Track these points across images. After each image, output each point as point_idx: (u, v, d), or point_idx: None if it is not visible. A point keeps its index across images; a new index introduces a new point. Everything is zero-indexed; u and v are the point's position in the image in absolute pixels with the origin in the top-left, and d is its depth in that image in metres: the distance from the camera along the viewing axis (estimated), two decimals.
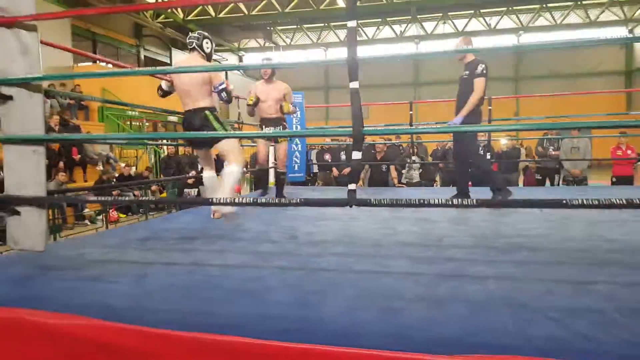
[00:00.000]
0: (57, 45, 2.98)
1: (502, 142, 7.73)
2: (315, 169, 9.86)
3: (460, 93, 3.77)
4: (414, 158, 7.80)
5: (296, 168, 5.92)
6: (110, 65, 12.19)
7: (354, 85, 1.49)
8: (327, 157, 8.49)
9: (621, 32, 17.94)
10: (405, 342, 1.26)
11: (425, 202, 1.61)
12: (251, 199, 1.81)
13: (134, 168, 9.00)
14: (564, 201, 1.37)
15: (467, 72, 3.74)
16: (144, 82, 11.81)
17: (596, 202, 1.42)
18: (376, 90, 19.23)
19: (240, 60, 22.61)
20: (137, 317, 1.42)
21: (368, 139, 7.98)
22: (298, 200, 1.72)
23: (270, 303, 1.56)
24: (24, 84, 1.83)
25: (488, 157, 6.32)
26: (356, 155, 1.51)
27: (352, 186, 1.56)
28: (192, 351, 1.29)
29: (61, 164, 7.67)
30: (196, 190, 6.78)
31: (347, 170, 6.95)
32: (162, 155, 9.46)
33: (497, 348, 1.22)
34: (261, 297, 1.61)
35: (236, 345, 1.26)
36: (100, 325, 1.37)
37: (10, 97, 1.82)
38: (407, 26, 19.36)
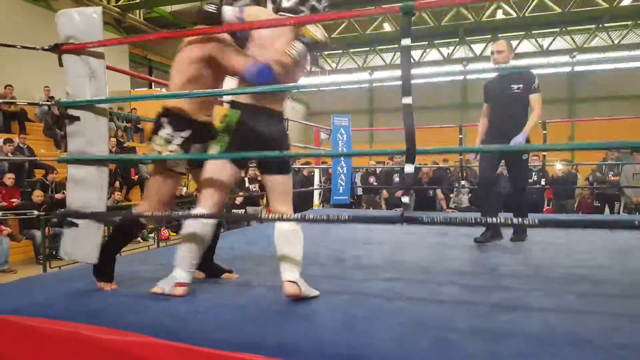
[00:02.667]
0: (119, 70, 3.16)
1: (557, 167, 7.41)
2: (360, 191, 9.83)
3: (510, 108, 3.26)
4: (462, 182, 7.61)
5: (341, 190, 5.90)
6: (164, 90, 12.75)
7: (407, 100, 1.46)
8: (372, 179, 8.44)
9: None
10: None
11: (478, 221, 1.54)
12: (299, 216, 1.80)
13: (185, 188, 9.28)
14: (637, 222, 1.27)
15: (519, 86, 3.24)
16: None
17: None
18: (422, 112, 19.07)
19: None
20: (187, 336, 1.43)
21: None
22: (347, 217, 1.68)
23: (319, 327, 1.53)
24: (91, 106, 1.94)
25: (542, 183, 6.06)
26: (409, 168, 1.47)
27: (405, 199, 1.52)
28: None
29: (117, 183, 8.03)
30: (243, 210, 6.91)
31: (400, 192, 6.89)
32: None
33: None
34: (310, 321, 1.59)
35: None
36: (152, 343, 1.39)
37: (77, 118, 1.94)
38: (455, 48, 19.20)
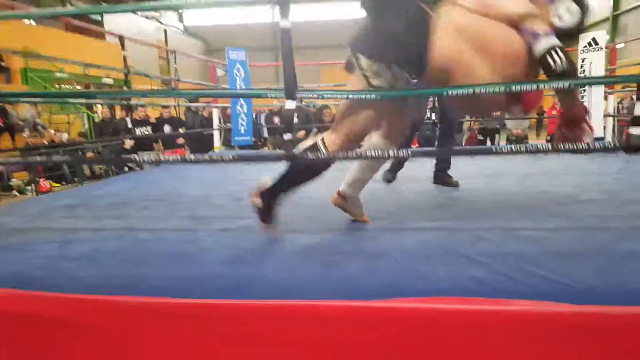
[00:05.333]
0: None
1: None
2: (266, 133, 9.67)
3: None
4: None
5: (242, 131, 5.74)
6: (32, 23, 10.98)
7: (285, 24, 1.37)
8: (277, 120, 8.31)
9: None
10: (344, 293, 1.25)
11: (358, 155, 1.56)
12: (178, 157, 1.69)
13: (65, 134, 8.40)
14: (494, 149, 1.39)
15: None
16: (73, 41, 10.90)
17: (523, 149, 1.47)
18: (329, 51, 18.93)
19: (181, 17, 21.42)
20: (56, 285, 1.31)
21: (320, 102, 7.88)
22: (232, 156, 1.62)
23: (205, 263, 1.50)
24: None
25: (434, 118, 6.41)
26: (289, 104, 1.43)
27: (287, 136, 1.48)
28: (116, 315, 1.21)
29: None
30: (135, 156, 6.46)
31: (302, 132, 6.86)
32: (96, 120, 8.89)
33: (430, 291, 1.24)
34: (195, 259, 1.55)
35: (164, 307, 1.20)
36: (7, 295, 1.25)
37: None
38: None
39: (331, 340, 1.18)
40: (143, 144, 6.51)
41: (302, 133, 6.86)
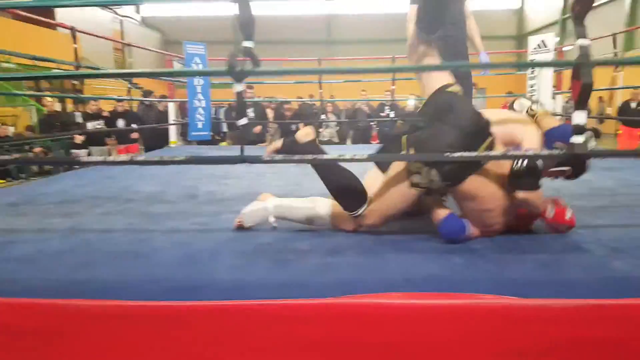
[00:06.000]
0: None
1: (410, 102, 7.89)
2: (226, 127, 9.49)
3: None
4: (330, 116, 7.81)
5: (200, 126, 5.62)
6: None
7: None
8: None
9: None
10: (296, 291, 1.25)
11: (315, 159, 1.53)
12: (129, 158, 1.63)
13: (11, 128, 7.95)
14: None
15: None
16: (21, 31, 10.28)
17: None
18: (287, 46, 18.86)
19: (138, 8, 20.69)
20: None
21: (280, 97, 7.82)
22: (184, 157, 1.54)
23: (156, 264, 1.46)
24: None
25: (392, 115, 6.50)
26: (238, 87, 1.40)
27: (242, 121, 1.45)
28: (58, 320, 1.16)
29: None
30: (85, 151, 6.19)
31: (258, 128, 6.78)
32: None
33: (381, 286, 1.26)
34: (146, 259, 1.50)
35: (109, 310, 1.16)
36: None
37: None
38: None
39: (283, 339, 1.17)
40: (95, 139, 6.26)
41: (258, 129, 6.78)
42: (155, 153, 5.00)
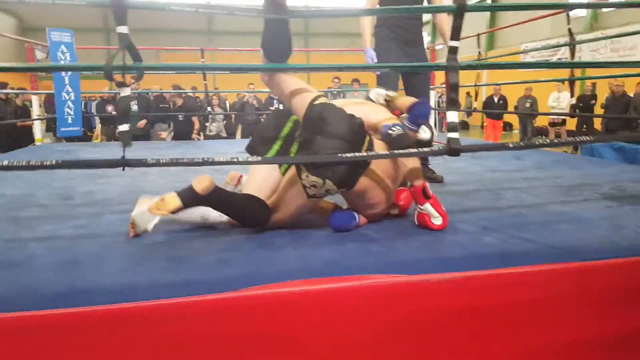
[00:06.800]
0: None
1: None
2: (97, 122, 8.71)
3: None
4: (216, 109, 7.56)
5: (70, 121, 5.07)
6: None
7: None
8: (111, 108, 7.56)
9: None
10: (194, 288, 1.21)
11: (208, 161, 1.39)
12: None
13: None
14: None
15: None
16: None
17: None
18: (168, 36, 17.96)
19: None
20: None
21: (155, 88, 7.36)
22: (56, 161, 1.30)
23: (32, 272, 1.31)
24: None
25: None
26: (124, 91, 1.30)
27: (123, 127, 1.33)
28: None
29: None
30: None
31: (143, 122, 6.34)
32: None
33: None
34: (21, 267, 1.34)
35: None
36: None
37: None
38: None
39: (181, 339, 1.14)
40: None
41: (143, 122, 6.37)
42: (18, 153, 4.39)
